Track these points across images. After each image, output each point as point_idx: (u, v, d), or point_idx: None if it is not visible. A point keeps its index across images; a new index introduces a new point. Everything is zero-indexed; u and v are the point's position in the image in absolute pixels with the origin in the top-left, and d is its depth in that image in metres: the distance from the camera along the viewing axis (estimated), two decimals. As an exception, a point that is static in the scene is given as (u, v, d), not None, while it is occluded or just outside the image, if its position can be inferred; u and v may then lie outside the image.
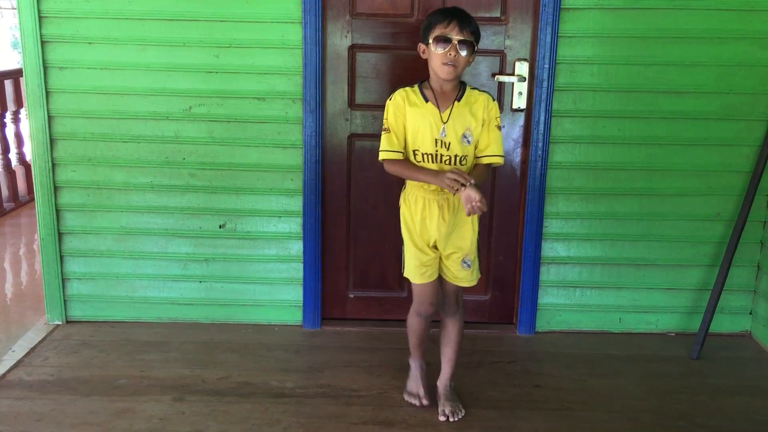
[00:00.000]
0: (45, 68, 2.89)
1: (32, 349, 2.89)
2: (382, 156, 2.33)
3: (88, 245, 3.09)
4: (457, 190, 2.14)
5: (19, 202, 5.09)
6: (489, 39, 2.89)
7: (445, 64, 2.18)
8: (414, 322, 2.49)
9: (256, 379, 2.70)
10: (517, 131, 3.02)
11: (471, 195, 2.12)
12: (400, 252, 2.42)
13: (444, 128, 2.24)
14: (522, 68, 2.94)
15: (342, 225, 3.12)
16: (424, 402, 2.48)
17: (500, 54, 2.95)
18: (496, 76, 2.95)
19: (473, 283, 2.42)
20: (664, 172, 3.00)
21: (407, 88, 2.31)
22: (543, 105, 2.90)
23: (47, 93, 2.92)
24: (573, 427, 2.43)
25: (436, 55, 2.19)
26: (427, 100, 2.27)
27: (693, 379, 2.79)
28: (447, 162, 2.26)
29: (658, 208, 3.03)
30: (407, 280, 2.42)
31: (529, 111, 2.97)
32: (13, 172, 5.08)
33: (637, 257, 3.08)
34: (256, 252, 3.10)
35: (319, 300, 3.13)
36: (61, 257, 3.09)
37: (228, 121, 2.96)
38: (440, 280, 2.41)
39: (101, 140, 2.98)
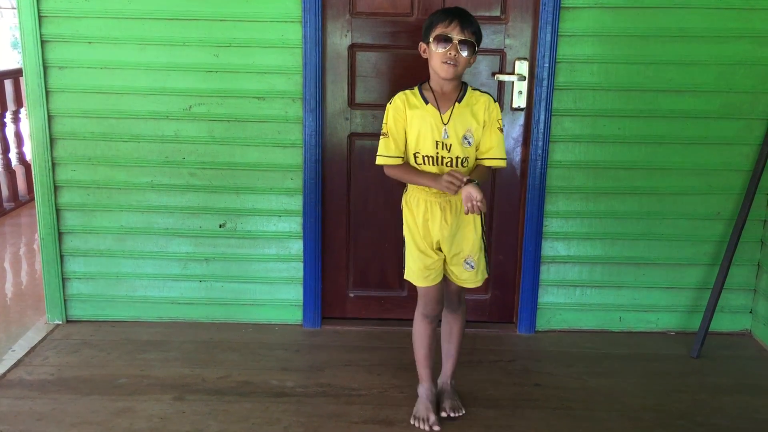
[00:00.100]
0: (45, 68, 2.89)
1: (32, 349, 2.90)
2: (378, 161, 2.32)
3: (88, 245, 3.09)
4: (456, 190, 2.14)
5: (19, 201, 5.09)
6: (489, 38, 2.89)
7: (444, 62, 2.17)
8: (420, 328, 2.43)
9: (256, 378, 2.70)
10: (517, 130, 3.02)
11: (472, 193, 2.11)
12: (402, 254, 2.41)
13: (446, 129, 2.23)
14: (522, 67, 2.94)
15: (342, 224, 3.12)
16: (435, 429, 2.35)
17: (500, 53, 2.95)
18: (496, 75, 2.95)
19: (478, 284, 2.40)
20: (664, 171, 3.00)
21: (407, 91, 2.29)
22: (543, 104, 2.90)
23: (47, 92, 2.92)
24: (573, 426, 2.43)
25: (436, 54, 2.19)
26: (427, 102, 2.25)
27: (693, 377, 2.79)
28: (448, 164, 2.25)
29: (658, 207, 3.03)
30: (407, 279, 2.41)
31: (529, 110, 2.97)
32: (13, 171, 5.07)
33: (637, 256, 3.08)
34: (256, 251, 3.10)
35: (319, 299, 3.13)
36: (61, 257, 3.09)
37: (228, 121, 2.96)
38: (444, 279, 2.40)
39: (101, 140, 2.98)
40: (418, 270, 2.33)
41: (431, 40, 2.19)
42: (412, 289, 2.45)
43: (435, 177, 2.22)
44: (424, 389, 2.45)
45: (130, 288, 3.13)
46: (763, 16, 2.83)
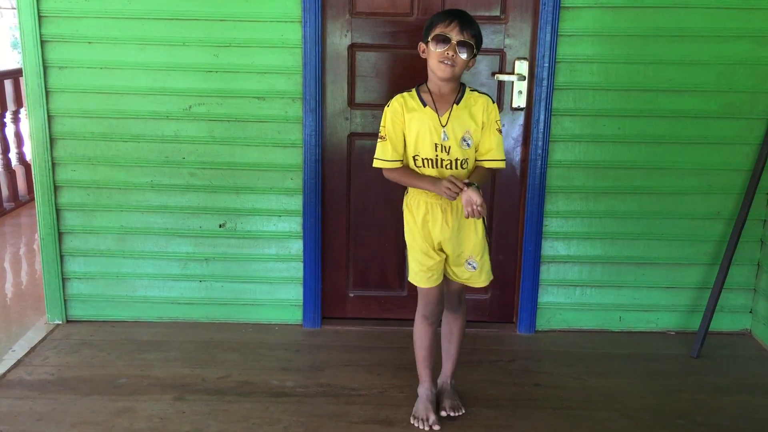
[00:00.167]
0: (45, 68, 2.89)
1: (32, 349, 2.90)
2: (376, 164, 2.31)
3: (88, 245, 3.09)
4: (455, 196, 2.14)
5: (19, 201, 5.09)
6: (489, 38, 2.89)
7: (441, 62, 2.16)
8: (420, 329, 2.42)
9: (256, 378, 2.70)
10: (516, 130, 3.02)
11: (472, 198, 2.10)
12: (403, 255, 2.40)
13: (443, 132, 2.23)
14: (522, 67, 2.94)
15: (342, 224, 3.12)
16: (435, 428, 2.35)
17: (500, 53, 2.95)
18: (496, 75, 2.95)
19: (482, 284, 2.39)
20: (664, 170, 3.00)
21: (405, 94, 2.28)
22: (543, 104, 2.90)
23: (47, 92, 2.92)
24: (573, 426, 2.43)
25: (434, 53, 2.18)
26: (425, 105, 2.24)
27: (693, 377, 2.79)
28: (447, 166, 2.24)
29: (658, 206, 3.03)
30: (407, 279, 2.41)
31: (528, 110, 2.97)
32: (13, 171, 5.07)
33: (637, 256, 3.08)
34: (256, 251, 3.10)
35: (319, 299, 3.13)
36: (61, 257, 3.09)
37: (228, 121, 2.96)
38: (444, 279, 2.39)
39: (101, 140, 2.98)
40: (420, 271, 2.33)
41: (430, 39, 2.19)
42: (412, 289, 2.45)
43: (434, 181, 2.21)
44: (423, 389, 2.45)
45: (130, 288, 3.13)
46: (763, 16, 2.83)
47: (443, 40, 2.16)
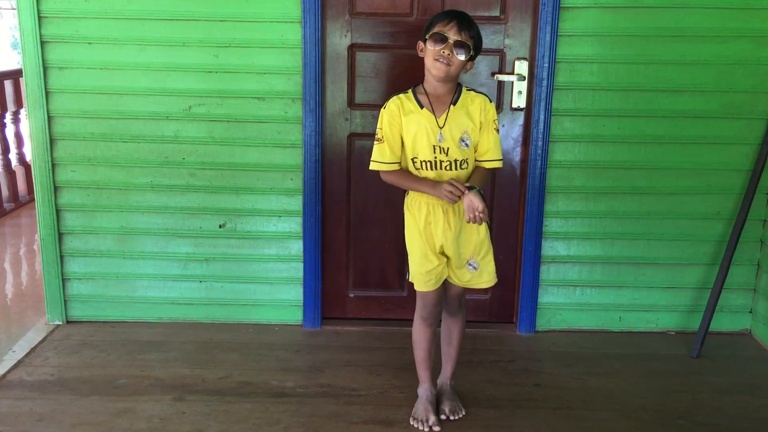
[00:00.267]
0: (45, 68, 2.89)
1: (33, 349, 2.90)
2: (372, 167, 2.31)
3: (88, 245, 3.09)
4: (456, 200, 2.14)
5: (19, 202, 5.10)
6: (488, 38, 2.89)
7: (437, 60, 2.16)
8: (420, 331, 2.42)
9: (256, 378, 2.70)
10: (516, 130, 3.02)
11: (474, 203, 2.10)
12: (403, 255, 2.39)
13: (441, 133, 2.22)
14: (521, 67, 2.94)
15: (342, 224, 3.12)
16: (435, 429, 2.35)
17: (500, 53, 2.95)
18: (496, 75, 2.95)
19: (483, 285, 2.37)
20: (663, 170, 3.00)
21: (401, 96, 2.27)
22: (542, 104, 2.90)
23: (47, 93, 2.92)
24: (573, 426, 2.43)
25: (430, 51, 2.17)
26: (422, 106, 2.24)
27: (693, 377, 2.79)
28: (447, 167, 2.24)
29: (657, 206, 3.03)
30: (407, 279, 2.41)
31: (528, 110, 2.97)
32: (13, 172, 5.08)
33: (637, 256, 3.08)
34: (256, 252, 3.10)
35: (319, 299, 3.13)
36: (62, 257, 3.09)
37: (228, 121, 2.96)
38: (444, 283, 2.38)
39: (101, 140, 2.98)
40: (419, 274, 2.32)
41: (428, 37, 2.19)
42: (412, 289, 2.44)
43: (434, 185, 2.20)
44: (423, 390, 2.45)
45: (130, 288, 3.13)
46: (762, 16, 2.84)
47: (441, 38, 2.15)
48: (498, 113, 2.95)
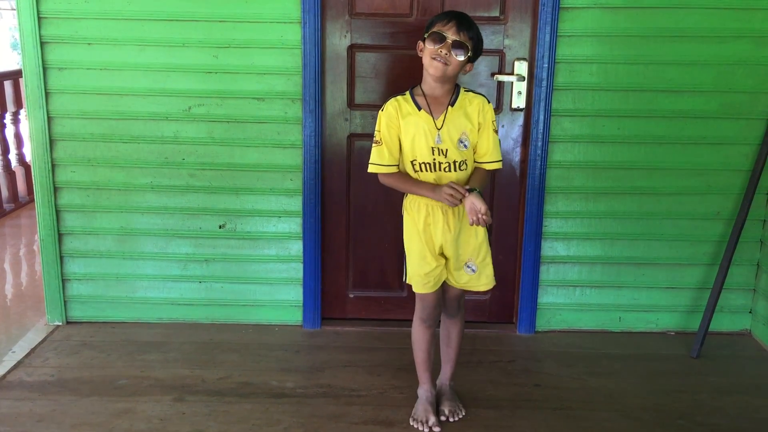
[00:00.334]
0: (44, 69, 2.89)
1: (32, 350, 2.90)
2: (371, 169, 2.31)
3: (88, 246, 3.09)
4: (457, 203, 2.14)
5: (19, 203, 5.10)
6: (488, 38, 2.88)
7: (434, 58, 2.15)
8: (419, 332, 2.42)
9: (256, 379, 2.70)
10: (516, 130, 3.02)
11: (476, 205, 2.10)
12: (403, 260, 2.38)
13: (439, 135, 2.22)
14: (521, 67, 2.94)
15: (342, 225, 3.12)
16: (435, 430, 2.34)
17: (499, 53, 2.95)
18: (495, 76, 2.95)
19: (481, 287, 2.36)
20: (663, 171, 3.00)
21: (399, 97, 2.27)
22: (542, 104, 2.90)
23: (47, 94, 2.92)
24: (573, 427, 2.43)
25: (428, 50, 2.17)
26: (420, 108, 2.23)
27: (693, 377, 2.79)
28: (446, 169, 2.23)
29: (657, 207, 3.03)
30: (404, 281, 2.40)
31: (528, 110, 2.97)
32: (13, 173, 5.08)
33: (637, 256, 3.08)
34: (255, 252, 3.10)
35: (319, 300, 3.13)
36: (61, 258, 3.09)
37: (227, 122, 2.96)
38: (443, 285, 2.38)
39: (101, 141, 2.98)
40: (417, 276, 2.32)
41: (426, 36, 2.18)
42: (412, 289, 2.44)
43: (434, 188, 2.20)
44: (423, 391, 2.45)
45: (130, 289, 3.13)
46: (762, 16, 2.84)
47: (439, 38, 2.15)
48: (498, 114, 2.97)
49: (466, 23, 2.17)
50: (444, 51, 2.14)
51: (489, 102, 2.28)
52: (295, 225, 3.07)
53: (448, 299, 2.42)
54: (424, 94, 2.25)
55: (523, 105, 2.97)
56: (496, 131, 2.28)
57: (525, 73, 2.94)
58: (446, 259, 2.32)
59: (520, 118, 3.00)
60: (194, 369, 2.77)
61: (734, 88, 2.91)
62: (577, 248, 3.08)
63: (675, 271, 3.10)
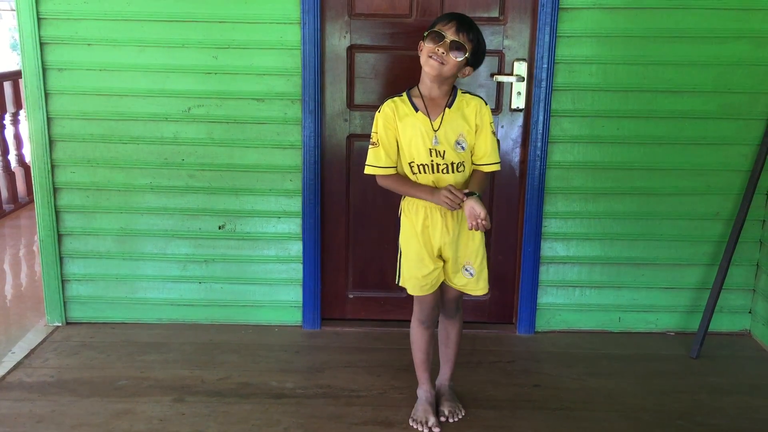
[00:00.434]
0: (44, 70, 2.90)
1: (32, 351, 2.90)
2: (368, 171, 2.30)
3: (87, 246, 3.09)
4: (456, 207, 2.13)
5: (19, 203, 5.10)
6: (488, 39, 2.86)
7: (430, 57, 2.14)
8: (418, 333, 2.42)
9: (255, 379, 2.70)
10: (515, 131, 3.02)
11: (476, 210, 2.09)
12: (398, 261, 2.38)
13: (436, 136, 2.21)
14: (520, 68, 2.94)
15: (341, 225, 3.12)
16: (435, 430, 2.34)
17: (499, 54, 2.95)
18: (495, 76, 2.95)
19: (479, 292, 2.35)
20: (662, 171, 3.00)
21: (396, 99, 2.26)
22: (542, 105, 2.90)
23: (46, 94, 2.92)
24: (573, 427, 2.43)
25: (426, 48, 2.16)
26: (417, 110, 2.23)
27: (692, 378, 2.79)
28: (444, 171, 2.22)
29: (657, 207, 3.03)
30: (397, 283, 2.40)
31: (527, 111, 2.97)
32: (13, 173, 5.07)
33: (637, 256, 3.08)
34: (255, 253, 3.10)
35: (319, 300, 3.13)
36: (61, 258, 3.09)
37: (227, 122, 2.96)
38: (442, 286, 2.38)
39: (100, 141, 2.98)
40: (414, 279, 2.31)
41: (426, 35, 2.18)
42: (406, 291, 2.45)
43: (432, 191, 2.20)
44: (423, 391, 2.45)
45: (130, 290, 3.13)
46: (761, 17, 2.84)
47: (438, 37, 2.14)
48: (497, 114, 2.97)
49: (466, 25, 2.17)
50: (441, 50, 2.13)
51: (486, 104, 2.28)
52: (294, 225, 3.07)
53: (446, 300, 2.42)
54: (421, 96, 2.24)
55: (522, 105, 2.97)
56: (494, 133, 2.28)
57: (524, 74, 2.94)
58: (444, 261, 2.32)
59: (520, 119, 3.01)
60: (194, 369, 2.77)
61: (733, 89, 2.91)
62: (577, 248, 3.08)
63: (674, 272, 3.10)
